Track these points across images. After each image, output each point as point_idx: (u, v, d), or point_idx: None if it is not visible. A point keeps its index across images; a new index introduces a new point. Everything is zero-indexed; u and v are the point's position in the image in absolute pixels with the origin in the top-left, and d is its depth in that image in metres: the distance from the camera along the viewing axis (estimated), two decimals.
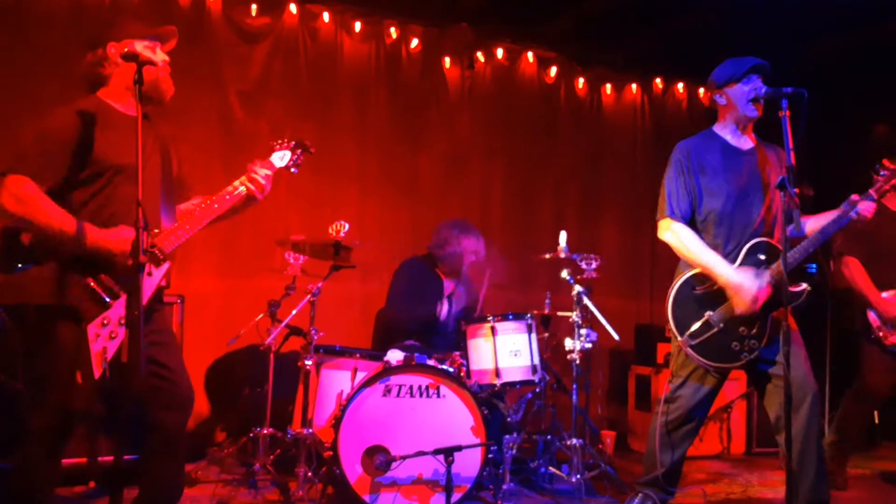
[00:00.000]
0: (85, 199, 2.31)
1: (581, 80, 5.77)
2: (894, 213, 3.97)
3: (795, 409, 2.89)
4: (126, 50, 2.22)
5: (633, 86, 5.94)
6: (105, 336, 2.23)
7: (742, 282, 2.96)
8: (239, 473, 3.57)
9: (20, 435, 2.31)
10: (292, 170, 2.73)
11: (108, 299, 2.25)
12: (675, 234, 3.10)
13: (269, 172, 2.61)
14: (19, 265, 2.28)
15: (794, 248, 2.96)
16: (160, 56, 2.49)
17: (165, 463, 2.51)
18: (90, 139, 2.29)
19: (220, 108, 4.51)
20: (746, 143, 3.23)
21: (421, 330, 3.91)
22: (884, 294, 3.85)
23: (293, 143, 2.74)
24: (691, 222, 3.15)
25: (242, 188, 2.55)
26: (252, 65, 4.65)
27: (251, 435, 3.49)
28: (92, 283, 2.24)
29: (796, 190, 2.85)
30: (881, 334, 3.84)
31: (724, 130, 3.24)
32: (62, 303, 2.22)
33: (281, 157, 2.69)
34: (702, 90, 6.02)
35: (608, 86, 5.87)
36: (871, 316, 3.88)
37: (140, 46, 2.37)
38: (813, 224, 3.10)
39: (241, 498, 3.21)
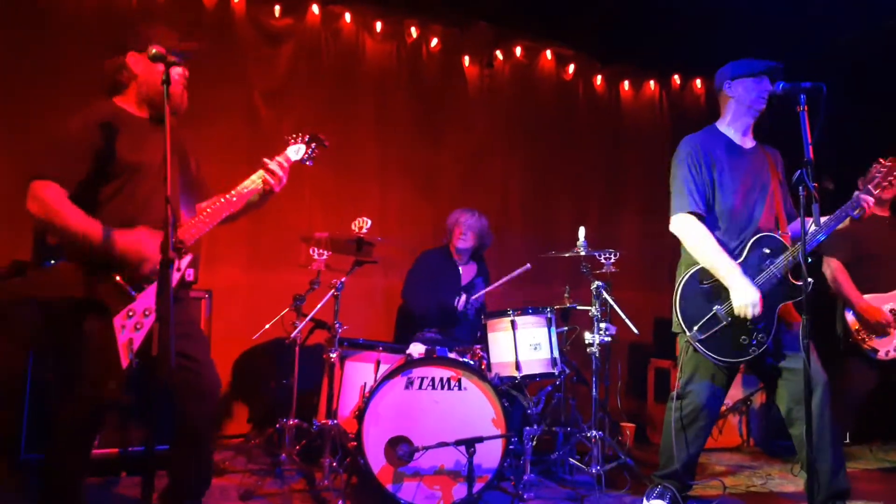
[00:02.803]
0: (109, 196, 2.38)
1: (599, 77, 5.80)
2: (880, 217, 3.97)
3: (806, 401, 2.91)
4: (154, 51, 2.28)
5: (651, 82, 5.96)
6: (130, 327, 2.31)
7: (743, 295, 2.96)
8: (266, 463, 3.66)
9: (51, 426, 2.38)
10: (307, 162, 2.79)
11: (132, 292, 2.33)
12: (692, 230, 3.11)
13: (285, 165, 2.68)
14: (48, 261, 2.36)
15: (797, 243, 2.98)
16: (176, 70, 2.53)
17: (193, 453, 2.59)
18: (110, 141, 2.36)
19: (245, 108, 4.61)
20: (748, 141, 3.25)
21: (439, 318, 3.96)
22: (866, 296, 3.84)
23: (307, 136, 2.81)
24: (709, 216, 3.17)
25: (259, 181, 2.62)
26: (276, 65, 4.74)
27: (277, 426, 3.58)
28: (117, 278, 2.31)
29: (815, 184, 2.88)
30: (860, 337, 3.83)
31: (727, 128, 3.26)
32: (89, 296, 2.29)
33: (296, 151, 2.76)
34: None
35: (626, 82, 5.89)
36: (850, 318, 3.87)
37: (152, 51, 2.43)
38: (821, 218, 3.11)
39: (268, 487, 3.29)
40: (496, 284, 4.00)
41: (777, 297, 3.00)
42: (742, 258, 3.06)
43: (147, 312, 2.37)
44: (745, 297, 2.95)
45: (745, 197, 3.11)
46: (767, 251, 3.05)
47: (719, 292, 3.03)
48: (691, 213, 3.11)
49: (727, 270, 3.00)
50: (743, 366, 3.22)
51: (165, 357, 1.97)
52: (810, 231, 3.02)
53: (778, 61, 3.15)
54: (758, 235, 3.06)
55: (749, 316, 2.94)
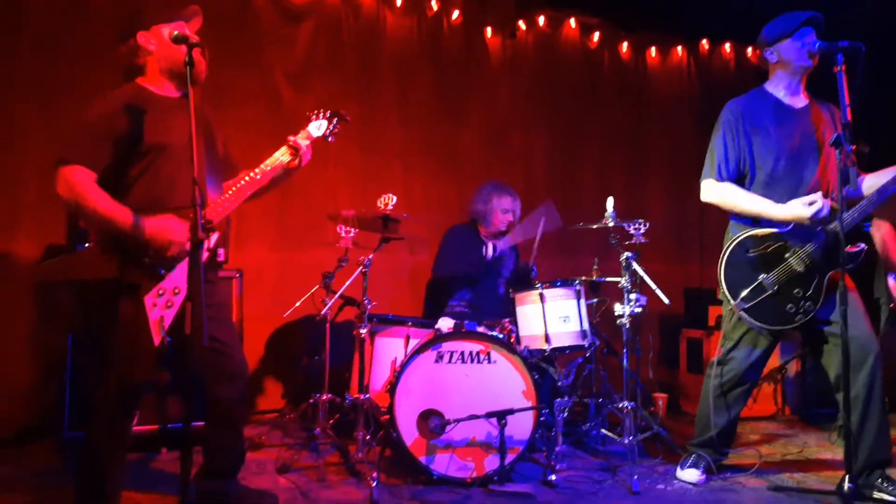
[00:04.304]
0: (136, 176, 2.40)
1: (625, 45, 5.69)
2: None
3: (857, 368, 2.88)
4: (176, 33, 2.30)
5: (679, 48, 5.83)
6: (161, 305, 2.34)
7: (795, 207, 2.93)
8: (301, 437, 3.72)
9: (89, 406, 2.44)
10: (329, 138, 2.80)
11: (162, 271, 2.36)
12: (718, 191, 3.09)
13: (307, 142, 2.69)
14: (81, 244, 2.40)
15: (852, 208, 2.90)
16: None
17: (225, 431, 2.65)
18: (136, 123, 2.38)
19: (267, 89, 4.61)
20: (800, 101, 3.15)
21: (468, 294, 3.96)
22: None
23: (329, 112, 2.81)
24: (740, 185, 3.11)
25: (283, 157, 2.64)
26: (296, 45, 4.72)
27: (311, 401, 3.63)
28: (146, 258, 2.34)
29: (853, 147, 2.80)
30: None
31: (775, 88, 3.17)
32: (120, 277, 2.32)
33: (318, 127, 2.77)
34: (750, 50, 5.86)
35: (653, 49, 5.77)
36: (892, 282, 3.77)
37: (167, 31, 2.45)
38: (872, 181, 3.03)
39: (304, 460, 3.34)
40: (530, 237, 3.93)
41: (827, 264, 2.94)
42: (792, 225, 3.00)
43: (177, 290, 2.40)
44: (802, 210, 2.90)
45: (795, 159, 3.04)
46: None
47: (765, 261, 2.99)
48: (715, 179, 3.07)
49: (771, 209, 2.96)
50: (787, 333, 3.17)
51: (197, 336, 1.99)
52: (865, 198, 2.94)
53: (815, 11, 3.05)
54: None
55: (816, 214, 2.87)
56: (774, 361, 4.73)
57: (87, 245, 2.45)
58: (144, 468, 3.20)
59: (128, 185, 2.40)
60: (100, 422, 2.39)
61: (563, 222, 3.95)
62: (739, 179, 3.12)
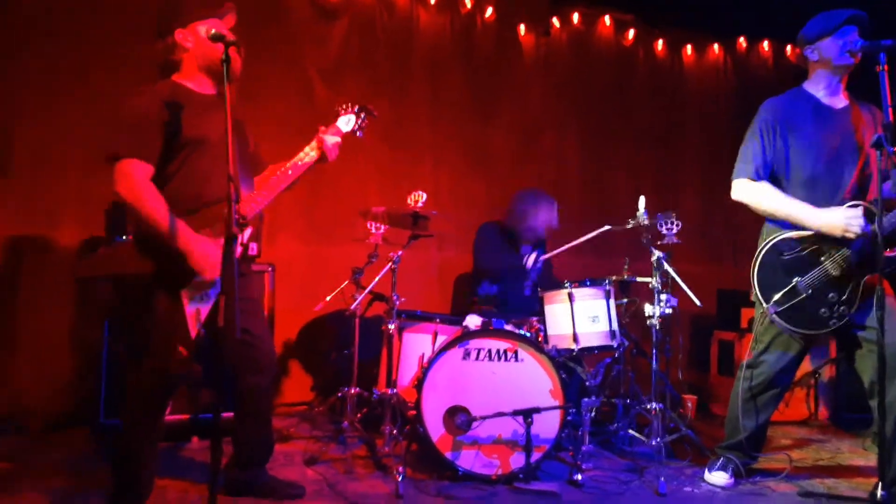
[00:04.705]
0: (173, 172, 2.44)
1: (660, 43, 5.62)
2: None
3: (892, 374, 2.81)
4: (214, 31, 2.34)
5: (715, 46, 5.74)
6: (198, 299, 2.40)
7: (833, 220, 2.87)
8: (329, 430, 3.76)
9: (124, 396, 2.50)
10: (357, 133, 2.82)
11: None
12: (750, 191, 3.04)
13: (337, 139, 2.71)
14: (119, 236, 2.46)
15: (892, 212, 2.84)
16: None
17: (254, 423, 2.70)
18: (177, 119, 2.42)
19: (300, 85, 4.66)
20: (839, 101, 3.09)
21: (497, 293, 3.96)
22: None
23: (357, 107, 2.83)
24: (776, 186, 3.06)
25: (313, 153, 2.67)
26: (330, 42, 4.76)
27: (339, 394, 3.67)
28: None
29: (894, 149, 2.74)
30: None
31: (815, 88, 3.11)
32: (157, 270, 2.38)
33: (346, 122, 2.79)
34: (789, 48, 5.75)
35: (689, 47, 5.70)
36: None
37: (203, 29, 2.49)
38: None
39: (331, 453, 3.39)
40: (573, 244, 3.92)
41: (863, 268, 2.89)
42: None
43: (212, 284, 2.46)
44: (838, 221, 2.85)
45: (832, 162, 2.98)
46: None
47: (800, 264, 2.94)
48: (748, 178, 3.02)
49: (806, 214, 2.91)
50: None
51: (230, 329, 2.03)
52: None
53: (858, 9, 2.99)
54: (847, 205, 2.93)
55: (856, 232, 2.82)
56: (807, 365, 4.65)
57: (125, 237, 2.51)
58: (175, 456, 3.27)
59: (165, 180, 2.44)
60: (134, 412, 2.46)
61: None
62: (774, 180, 3.07)
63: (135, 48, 3.95)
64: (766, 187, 3.03)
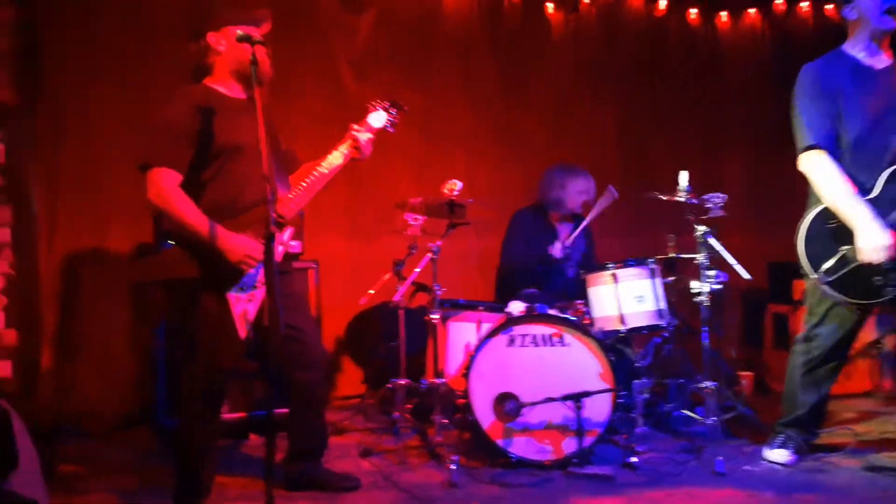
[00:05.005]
0: (210, 177, 2.49)
1: (693, 10, 5.46)
2: None
3: None
4: (239, 32, 2.36)
5: (752, 10, 5.55)
6: (244, 299, 2.45)
7: (869, 240, 2.75)
8: (381, 422, 3.79)
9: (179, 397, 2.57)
10: (389, 129, 2.81)
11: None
12: (817, 168, 2.90)
13: (370, 135, 2.72)
14: (166, 243, 2.53)
15: None
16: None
17: (307, 417, 2.75)
18: (209, 125, 2.46)
19: (331, 80, 4.67)
20: (882, 61, 2.97)
21: (538, 275, 3.93)
22: None
23: (387, 103, 2.82)
24: (838, 147, 2.94)
25: (347, 151, 2.68)
26: (359, 33, 4.75)
27: (389, 386, 3.70)
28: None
29: None
30: None
31: (854, 49, 3.00)
32: (203, 274, 2.44)
33: (377, 118, 2.78)
34: (831, 6, 5.52)
35: (723, 13, 5.52)
36: None
37: (238, 32, 2.50)
38: None
39: (385, 445, 3.41)
40: (585, 222, 3.88)
41: None
42: (875, 193, 2.83)
43: (258, 284, 2.50)
44: (870, 241, 2.74)
45: (877, 124, 2.86)
46: None
47: (848, 231, 2.82)
48: (812, 146, 2.90)
49: (852, 212, 2.79)
50: (878, 307, 3.01)
51: (274, 326, 2.07)
52: None
53: None
54: (893, 168, 2.82)
55: (875, 262, 2.74)
56: (870, 335, 4.49)
57: (171, 243, 2.57)
58: (234, 454, 3.34)
59: (201, 186, 2.49)
60: (190, 412, 2.53)
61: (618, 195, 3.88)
62: (837, 140, 2.93)
63: (176, 54, 4.04)
64: (831, 170, 2.86)
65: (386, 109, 2.83)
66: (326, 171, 2.69)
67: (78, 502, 2.77)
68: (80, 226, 3.96)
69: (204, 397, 2.51)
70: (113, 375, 3.86)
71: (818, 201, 2.94)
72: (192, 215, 2.41)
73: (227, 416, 3.44)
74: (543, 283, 3.93)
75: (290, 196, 2.64)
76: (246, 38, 2.33)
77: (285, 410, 2.78)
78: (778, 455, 3.08)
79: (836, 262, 2.85)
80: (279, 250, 2.57)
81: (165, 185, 2.41)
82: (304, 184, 2.66)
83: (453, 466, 2.89)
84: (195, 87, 2.59)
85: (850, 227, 2.81)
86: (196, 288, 2.45)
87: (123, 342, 3.93)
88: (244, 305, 2.49)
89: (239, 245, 2.42)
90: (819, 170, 2.89)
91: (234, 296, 2.47)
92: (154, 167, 2.42)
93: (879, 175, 2.85)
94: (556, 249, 3.88)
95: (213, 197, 2.49)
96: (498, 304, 3.59)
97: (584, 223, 3.90)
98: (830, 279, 2.86)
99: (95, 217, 4.00)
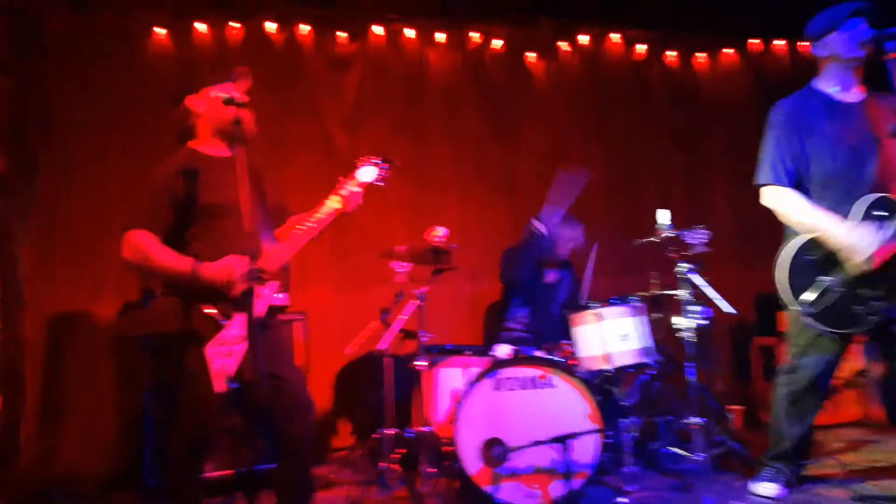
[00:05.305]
0: (196, 236, 2.57)
1: (672, 53, 5.62)
2: None
3: None
4: (225, 95, 2.45)
5: (729, 49, 5.71)
6: (223, 354, 2.47)
7: (856, 241, 2.82)
8: (370, 473, 3.77)
9: (163, 457, 2.58)
10: (379, 183, 2.87)
11: (222, 321, 2.49)
12: (778, 199, 3.00)
13: (357, 189, 2.78)
14: (151, 298, 2.58)
15: None
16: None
17: (294, 469, 2.72)
18: (193, 185, 2.54)
19: (321, 136, 4.80)
20: (854, 95, 3.05)
21: (525, 309, 3.96)
22: None
23: (379, 158, 2.88)
24: (798, 187, 3.02)
25: (335, 205, 2.72)
26: (346, 90, 4.90)
27: (376, 436, 3.70)
28: (206, 309, 2.49)
29: None
30: None
31: (826, 84, 3.08)
32: (183, 329, 2.48)
33: (368, 173, 2.84)
34: (806, 42, 5.67)
35: (700, 54, 5.68)
36: None
37: (213, 93, 2.60)
38: None
39: (374, 497, 3.41)
40: (586, 283, 3.93)
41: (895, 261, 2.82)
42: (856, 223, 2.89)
43: (237, 339, 2.53)
44: (858, 248, 2.79)
45: (852, 158, 2.93)
46: (882, 213, 2.87)
47: (828, 262, 2.88)
48: (773, 184, 2.98)
49: (831, 226, 2.86)
50: (859, 336, 3.05)
51: (256, 378, 2.10)
52: None
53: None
54: (869, 199, 2.88)
55: (863, 263, 2.76)
56: (857, 363, 4.51)
57: (154, 299, 2.62)
58: None
59: (187, 245, 2.55)
60: (175, 470, 2.54)
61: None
62: (799, 181, 3.02)
63: (160, 117, 4.16)
64: (794, 198, 2.96)
65: (377, 165, 2.89)
66: (314, 225, 2.74)
67: None
68: (71, 289, 4.04)
69: (187, 453, 2.52)
70: (99, 437, 3.87)
71: (795, 233, 3.00)
72: (171, 258, 2.47)
73: (215, 473, 3.45)
74: (529, 321, 3.95)
75: (274, 249, 2.69)
76: (230, 101, 2.41)
77: (272, 466, 2.78)
78: (766, 489, 3.08)
79: (817, 292, 2.89)
80: (261, 304, 2.60)
81: (140, 241, 2.49)
82: (291, 238, 2.72)
83: None
84: (179, 152, 2.69)
85: (833, 253, 2.85)
86: (175, 342, 2.49)
87: (109, 403, 3.95)
88: (223, 360, 2.51)
89: (223, 267, 2.46)
90: (781, 201, 2.97)
91: (212, 351, 2.50)
92: (131, 229, 2.51)
93: (858, 205, 2.90)
94: (542, 227, 3.91)
95: (197, 254, 2.54)
96: (485, 348, 3.62)
97: (585, 286, 3.94)
98: (813, 310, 2.90)
99: (87, 280, 4.07)
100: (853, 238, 2.82)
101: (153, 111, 4.19)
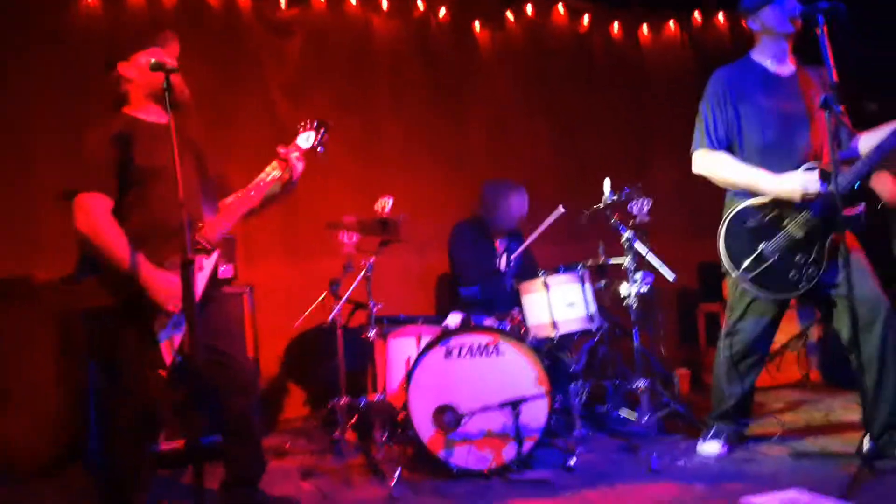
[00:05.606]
0: (131, 203, 2.48)
1: (616, 25, 5.67)
2: None
3: (867, 328, 2.86)
4: (153, 60, 2.36)
5: (671, 23, 5.79)
6: (169, 327, 2.42)
7: (788, 184, 2.90)
8: (325, 443, 3.76)
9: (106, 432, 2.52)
10: (319, 149, 2.82)
11: None
12: (708, 161, 3.08)
13: (297, 154, 2.73)
14: (88, 273, 2.49)
15: (847, 171, 2.86)
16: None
17: (242, 442, 2.71)
18: (128, 152, 2.46)
19: (264, 105, 4.69)
20: (787, 68, 3.13)
21: (479, 293, 3.99)
22: None
23: (315, 122, 2.84)
24: (732, 155, 3.09)
25: (276, 172, 2.68)
26: (288, 58, 4.79)
27: (329, 406, 3.69)
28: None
29: (842, 107, 2.77)
30: None
31: (761, 56, 3.16)
32: (127, 303, 2.40)
33: (306, 139, 2.79)
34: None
35: (644, 26, 5.74)
36: None
37: (144, 59, 2.53)
38: (868, 141, 2.98)
39: (328, 465, 3.40)
40: (532, 236, 3.96)
41: (827, 228, 2.92)
42: None
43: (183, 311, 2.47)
44: (792, 186, 2.88)
45: (785, 128, 3.02)
46: None
47: (764, 230, 2.98)
48: (706, 148, 3.06)
49: (761, 178, 2.95)
50: (796, 300, 3.16)
51: (195, 352, 2.06)
52: (861, 158, 2.90)
53: None
54: (802, 168, 2.97)
55: (810, 192, 2.86)
56: (796, 327, 4.69)
57: (93, 274, 2.53)
58: (173, 484, 3.27)
59: (124, 211, 2.47)
60: (119, 445, 2.48)
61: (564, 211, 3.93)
62: (729, 150, 3.10)
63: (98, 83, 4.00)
64: (722, 157, 3.06)
65: (315, 129, 2.85)
66: (252, 194, 2.70)
67: None
68: (8, 259, 3.86)
69: (132, 427, 2.46)
70: (42, 414, 3.73)
71: (736, 201, 3.09)
72: (119, 248, 2.38)
73: (165, 445, 3.39)
74: (484, 301, 3.99)
75: (215, 219, 2.63)
76: (159, 67, 2.33)
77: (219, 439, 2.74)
78: (710, 447, 3.18)
79: (755, 258, 2.99)
80: (203, 275, 2.54)
81: (94, 211, 2.39)
82: (229, 206, 2.66)
83: (393, 482, 2.89)
84: (113, 117, 2.59)
85: (769, 220, 2.94)
86: (117, 316, 2.41)
87: (52, 378, 3.81)
88: (170, 332, 2.46)
89: (163, 286, 2.39)
90: (711, 164, 3.07)
91: (159, 324, 2.44)
92: (81, 192, 2.40)
93: None
94: (502, 263, 3.94)
95: (135, 222, 2.47)
96: (437, 318, 3.63)
97: (531, 238, 3.97)
98: (750, 275, 3.00)
99: (24, 245, 3.90)
100: (784, 184, 2.91)
101: (85, 77, 4.00)
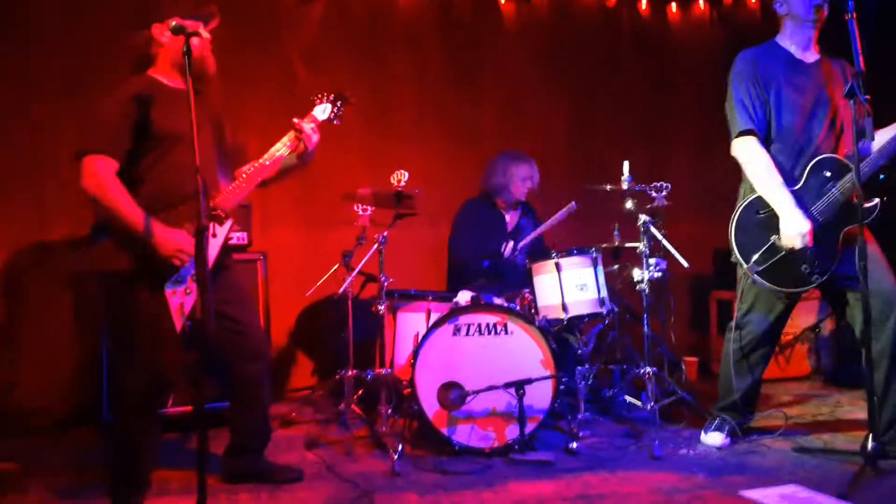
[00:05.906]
0: (149, 166, 2.48)
1: (644, 1, 5.53)
2: None
3: (881, 323, 2.83)
4: (174, 23, 2.34)
5: (701, 1, 5.65)
6: (181, 292, 2.44)
7: (789, 223, 2.86)
8: (331, 413, 3.80)
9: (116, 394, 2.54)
10: (334, 121, 2.82)
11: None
12: (749, 153, 3.00)
13: (313, 125, 2.72)
14: (102, 236, 2.50)
15: (863, 162, 2.81)
16: (203, 34, 2.60)
17: (249, 410, 2.75)
18: (147, 113, 2.45)
19: (282, 71, 4.64)
20: (811, 55, 3.09)
21: (489, 268, 3.97)
22: None
23: (333, 95, 2.83)
24: (767, 133, 3.03)
25: (290, 143, 2.68)
26: (308, 25, 4.73)
27: (337, 377, 3.72)
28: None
29: (867, 97, 2.71)
30: None
31: (786, 42, 3.11)
32: (139, 267, 2.42)
33: (322, 111, 2.79)
34: None
35: (673, 4, 5.60)
36: None
37: (173, 24, 2.49)
38: (881, 136, 2.94)
39: (333, 436, 3.44)
40: (541, 229, 3.95)
41: (841, 221, 2.88)
42: (801, 183, 2.94)
43: (194, 277, 2.48)
44: (792, 228, 2.86)
45: (805, 115, 2.97)
46: (828, 174, 2.93)
47: (776, 222, 2.93)
48: (747, 130, 2.99)
49: (778, 198, 2.90)
50: (820, 291, 3.13)
51: (206, 318, 2.07)
52: (874, 151, 2.86)
53: None
54: (817, 158, 2.94)
55: (797, 247, 2.84)
56: (809, 320, 4.64)
57: (107, 237, 2.54)
58: (180, 448, 3.33)
59: (141, 175, 2.47)
60: (128, 407, 2.52)
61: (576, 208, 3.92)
62: (768, 127, 3.02)
63: (121, 49, 3.99)
64: (761, 155, 2.96)
65: (332, 101, 2.84)
66: (268, 163, 2.70)
67: (13, 501, 2.74)
68: (23, 221, 3.89)
69: (141, 391, 2.49)
70: (56, 372, 3.80)
71: (749, 192, 3.04)
72: (126, 206, 2.38)
73: (173, 409, 3.44)
74: (494, 276, 3.97)
75: (230, 187, 2.63)
76: (180, 30, 2.30)
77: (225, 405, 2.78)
78: (713, 438, 3.18)
79: (766, 251, 2.95)
80: (216, 243, 2.55)
81: (100, 172, 2.39)
82: (245, 175, 2.66)
83: (396, 455, 2.92)
84: (137, 77, 2.59)
85: (776, 214, 2.91)
86: (130, 280, 2.43)
87: (67, 339, 3.87)
88: (181, 298, 2.48)
89: (171, 239, 2.40)
90: (750, 155, 2.99)
91: (170, 289, 2.46)
92: (89, 154, 2.40)
93: (805, 165, 2.95)
94: (507, 250, 3.92)
95: (152, 187, 2.47)
96: (447, 294, 3.63)
97: (539, 230, 3.94)
98: (760, 268, 2.96)
99: (39, 213, 3.93)
100: (787, 218, 2.85)
101: (99, 42, 3.99)
